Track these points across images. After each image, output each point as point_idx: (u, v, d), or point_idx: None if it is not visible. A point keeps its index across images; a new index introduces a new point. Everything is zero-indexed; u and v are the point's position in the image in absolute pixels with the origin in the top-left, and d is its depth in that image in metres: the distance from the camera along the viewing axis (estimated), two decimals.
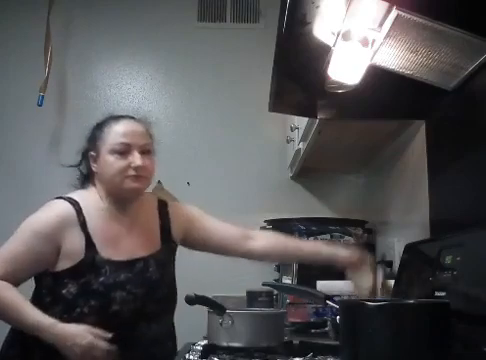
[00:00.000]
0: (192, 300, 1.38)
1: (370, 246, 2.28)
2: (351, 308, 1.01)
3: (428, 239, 1.52)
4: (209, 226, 1.70)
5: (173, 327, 1.59)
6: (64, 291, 1.43)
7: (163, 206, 1.65)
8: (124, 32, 2.97)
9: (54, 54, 2.81)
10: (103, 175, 1.52)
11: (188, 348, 1.38)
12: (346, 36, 1.18)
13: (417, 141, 1.80)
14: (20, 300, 1.41)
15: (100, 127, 1.58)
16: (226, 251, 1.69)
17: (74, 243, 1.45)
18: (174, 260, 1.64)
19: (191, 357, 1.25)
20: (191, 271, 2.69)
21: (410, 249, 1.48)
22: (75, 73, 2.94)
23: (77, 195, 1.55)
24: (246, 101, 2.86)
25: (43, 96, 2.71)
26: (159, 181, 2.83)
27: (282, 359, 1.22)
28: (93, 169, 1.55)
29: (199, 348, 1.32)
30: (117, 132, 1.53)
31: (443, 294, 1.13)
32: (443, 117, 1.54)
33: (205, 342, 1.37)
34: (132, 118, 1.60)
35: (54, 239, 1.45)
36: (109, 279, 1.44)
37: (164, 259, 1.57)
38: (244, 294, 2.08)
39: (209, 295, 1.40)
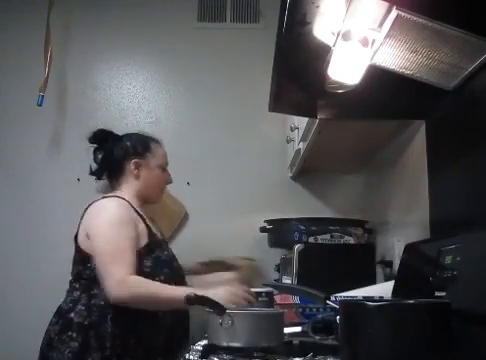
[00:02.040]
0: (192, 300, 1.39)
1: (370, 246, 2.29)
2: (351, 308, 1.01)
3: (428, 239, 1.52)
4: None
5: None
6: (142, 266, 1.71)
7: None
8: (124, 32, 2.97)
9: (54, 54, 2.80)
10: (146, 182, 1.92)
11: (188, 348, 1.38)
12: (346, 36, 1.18)
13: (417, 141, 1.80)
14: (161, 285, 1.69)
15: (148, 142, 1.97)
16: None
17: (140, 227, 1.79)
18: None
19: (191, 357, 1.25)
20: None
21: (410, 249, 1.48)
22: (75, 73, 2.94)
23: (116, 195, 1.87)
24: (246, 101, 2.86)
25: (43, 96, 2.71)
26: None
27: (282, 359, 1.22)
28: (134, 173, 1.91)
29: (199, 348, 1.32)
30: (163, 152, 2.00)
31: (443, 294, 1.13)
32: (443, 117, 1.54)
33: (205, 342, 1.37)
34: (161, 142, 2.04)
35: (133, 221, 1.77)
36: (169, 252, 1.88)
37: None
38: None
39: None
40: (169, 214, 2.81)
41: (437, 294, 1.15)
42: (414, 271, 1.41)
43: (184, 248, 2.80)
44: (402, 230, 1.98)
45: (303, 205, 2.75)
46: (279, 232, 2.41)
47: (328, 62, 1.29)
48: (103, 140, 1.97)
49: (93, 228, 1.75)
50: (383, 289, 1.53)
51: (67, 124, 2.88)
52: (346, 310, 1.02)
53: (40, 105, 2.70)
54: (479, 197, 1.28)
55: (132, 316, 1.68)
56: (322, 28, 1.20)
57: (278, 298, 1.74)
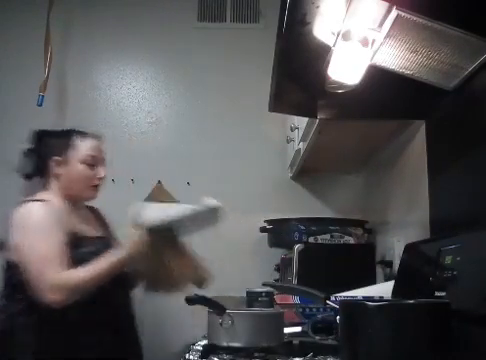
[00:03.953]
0: (192, 300, 1.39)
1: (370, 246, 2.29)
2: (351, 308, 1.01)
3: (428, 239, 1.52)
4: None
5: None
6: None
7: (93, 209, 1.95)
8: (124, 32, 2.97)
9: (54, 54, 2.80)
10: (69, 180, 1.79)
11: (188, 348, 1.38)
12: (346, 36, 1.18)
13: (417, 141, 1.80)
14: (90, 266, 1.62)
15: (69, 136, 1.83)
16: None
17: (66, 227, 1.68)
18: None
19: (191, 357, 1.25)
20: None
21: (410, 249, 1.48)
22: (75, 73, 2.94)
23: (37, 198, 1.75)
24: (246, 101, 2.86)
25: (43, 96, 2.71)
26: (159, 181, 2.84)
27: (282, 359, 1.22)
28: (54, 172, 1.80)
29: (199, 348, 1.32)
30: (89, 146, 1.82)
31: (443, 294, 1.13)
32: (443, 117, 1.54)
33: (205, 342, 1.37)
34: (94, 134, 1.88)
35: (58, 223, 1.66)
36: (94, 248, 1.71)
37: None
38: (244, 294, 2.08)
39: (209, 295, 1.40)
40: None
41: (437, 294, 1.15)
42: (414, 271, 1.41)
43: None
44: (402, 230, 1.98)
45: (303, 205, 2.75)
46: (279, 232, 2.41)
47: (328, 62, 1.29)
48: (38, 140, 1.89)
49: (16, 235, 1.67)
50: (383, 289, 1.53)
51: (67, 124, 2.86)
52: (346, 310, 1.02)
53: (40, 105, 2.70)
54: (479, 197, 1.28)
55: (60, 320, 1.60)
56: (322, 28, 1.20)
57: (278, 298, 1.74)
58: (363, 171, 2.67)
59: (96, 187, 1.83)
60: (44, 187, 1.82)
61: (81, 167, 1.79)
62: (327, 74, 1.34)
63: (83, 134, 1.84)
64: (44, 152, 1.83)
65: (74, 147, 1.81)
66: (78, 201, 1.84)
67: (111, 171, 2.89)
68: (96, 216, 1.93)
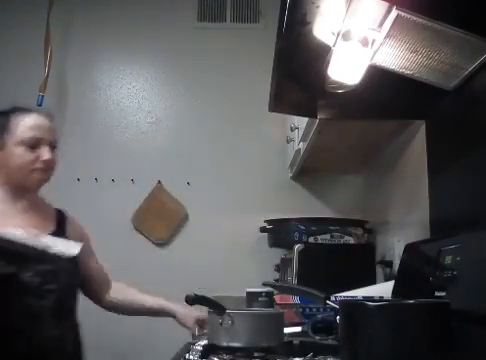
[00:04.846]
0: (192, 300, 1.39)
1: (370, 246, 2.29)
2: (351, 308, 1.01)
3: (428, 239, 1.52)
4: (92, 267, 1.74)
5: None
6: None
7: (61, 214, 1.67)
8: (124, 32, 2.97)
9: (54, 54, 2.81)
10: (7, 165, 1.53)
11: (188, 348, 1.38)
12: (346, 36, 1.18)
13: (417, 141, 1.80)
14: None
15: (6, 117, 1.56)
16: (96, 300, 1.78)
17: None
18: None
19: (191, 357, 1.25)
20: (191, 271, 2.70)
21: (410, 249, 1.48)
22: (75, 73, 2.94)
23: None
24: (246, 101, 2.87)
25: (43, 96, 2.71)
26: (159, 181, 2.84)
27: (282, 359, 1.22)
28: None
29: (199, 348, 1.32)
30: (27, 125, 1.54)
31: (443, 294, 1.13)
32: (443, 117, 1.54)
33: (205, 342, 1.37)
34: (39, 112, 1.61)
35: None
36: None
37: None
38: (244, 294, 2.08)
39: (209, 295, 1.40)
40: (169, 214, 2.81)
41: (437, 294, 1.15)
42: (414, 271, 1.41)
43: (184, 248, 2.81)
44: (402, 230, 1.98)
45: (303, 205, 2.75)
46: (279, 232, 2.41)
47: (328, 62, 1.29)
48: None
49: None
50: (383, 289, 1.53)
51: (67, 124, 2.88)
52: (346, 310, 1.02)
53: (40, 105, 2.70)
54: (479, 197, 1.28)
55: None
56: (322, 28, 1.20)
57: (278, 298, 1.74)
58: (363, 171, 2.67)
59: (40, 171, 1.54)
60: None
61: (18, 150, 1.52)
62: (327, 74, 1.34)
63: (21, 112, 1.58)
64: None
65: (9, 128, 1.54)
66: (24, 190, 1.56)
67: (111, 171, 2.93)
68: (59, 218, 1.65)
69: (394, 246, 1.93)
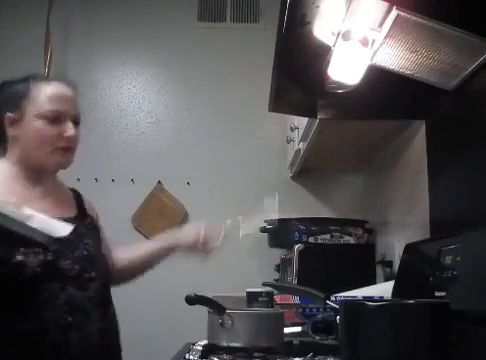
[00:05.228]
0: (192, 300, 1.38)
1: (370, 246, 2.29)
2: (351, 308, 1.01)
3: (428, 239, 1.52)
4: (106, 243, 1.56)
5: None
6: None
7: (77, 195, 1.53)
8: (124, 32, 2.97)
9: (54, 54, 2.81)
10: (26, 142, 1.34)
11: (188, 348, 1.38)
12: (346, 36, 1.18)
13: (417, 141, 1.80)
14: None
15: (25, 85, 1.37)
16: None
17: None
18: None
19: (191, 357, 1.25)
20: (191, 271, 2.70)
21: (410, 249, 1.48)
22: (75, 73, 2.94)
23: None
24: (246, 101, 2.86)
25: None
26: (159, 181, 2.84)
27: (282, 359, 1.22)
28: (10, 133, 1.35)
29: (199, 348, 1.32)
30: (49, 96, 1.35)
31: (443, 294, 1.13)
32: (443, 117, 1.54)
33: (205, 342, 1.37)
34: (61, 81, 1.41)
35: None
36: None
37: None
38: (244, 294, 2.09)
39: (209, 295, 1.40)
40: (169, 214, 2.81)
41: (437, 294, 1.15)
42: (414, 271, 1.41)
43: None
44: (402, 230, 1.98)
45: (303, 205, 2.75)
46: (279, 232, 2.41)
47: (328, 62, 1.29)
48: None
49: None
50: (383, 289, 1.53)
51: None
52: (346, 310, 1.02)
53: None
54: (479, 197, 1.28)
55: None
56: (322, 28, 1.20)
57: (278, 298, 1.74)
58: (363, 171, 2.67)
59: (62, 151, 1.35)
60: (4, 154, 1.39)
61: (38, 123, 1.32)
62: (327, 74, 1.34)
63: (42, 80, 1.40)
64: None
65: (30, 97, 1.34)
66: (43, 173, 1.38)
67: (111, 171, 2.93)
68: (77, 200, 1.50)
69: (394, 246, 1.93)
